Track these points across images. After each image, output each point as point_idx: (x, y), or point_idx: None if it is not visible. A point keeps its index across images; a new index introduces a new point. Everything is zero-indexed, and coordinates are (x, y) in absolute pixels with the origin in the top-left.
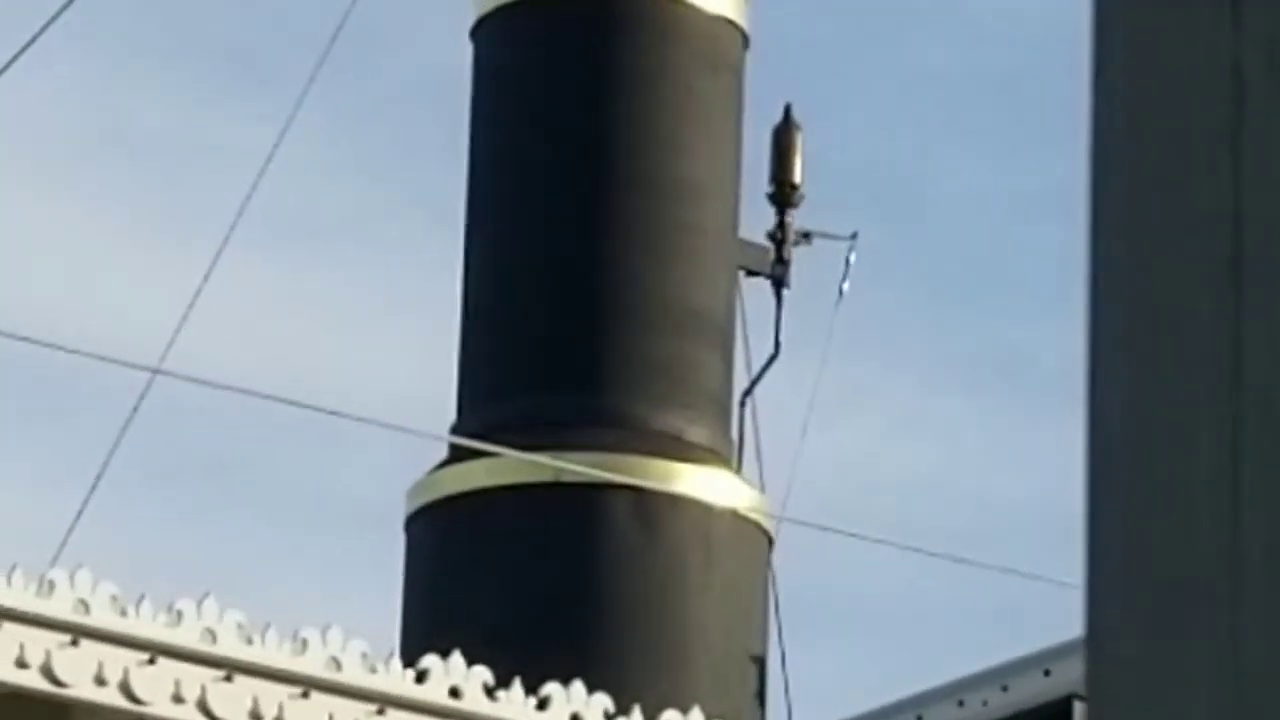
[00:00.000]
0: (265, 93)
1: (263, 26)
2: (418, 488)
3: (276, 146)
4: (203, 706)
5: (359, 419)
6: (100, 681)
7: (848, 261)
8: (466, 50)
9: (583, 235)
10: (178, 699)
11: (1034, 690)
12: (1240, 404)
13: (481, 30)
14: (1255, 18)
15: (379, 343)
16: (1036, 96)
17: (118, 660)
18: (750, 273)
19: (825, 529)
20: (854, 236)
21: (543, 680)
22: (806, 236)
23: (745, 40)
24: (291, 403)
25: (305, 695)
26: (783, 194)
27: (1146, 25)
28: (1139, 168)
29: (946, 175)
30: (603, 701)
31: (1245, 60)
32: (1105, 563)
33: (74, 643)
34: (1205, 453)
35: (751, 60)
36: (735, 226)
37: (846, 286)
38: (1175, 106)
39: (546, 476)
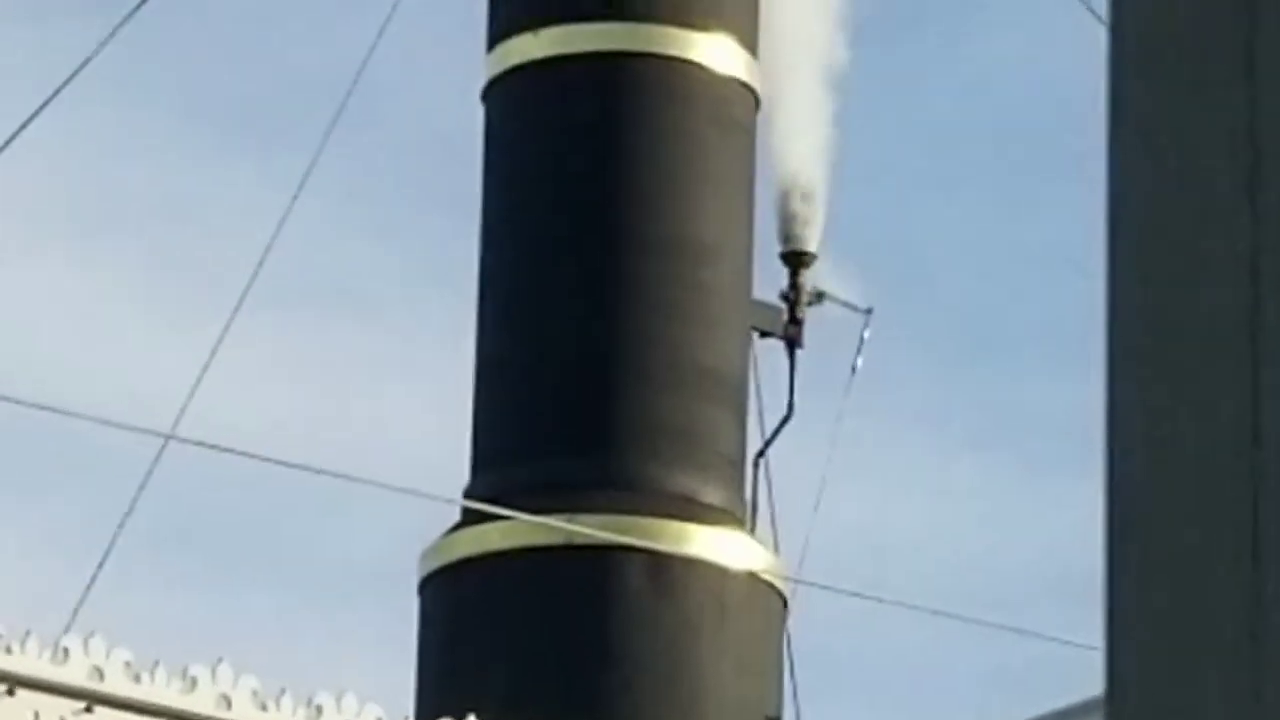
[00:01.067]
0: (275, 155)
1: (270, 89)
2: (431, 551)
3: (289, 211)
4: None
5: (372, 483)
6: None
7: (862, 338)
8: (478, 112)
9: (595, 297)
10: None
11: None
12: (1259, 458)
13: (493, 92)
14: (1269, 74)
15: (391, 406)
16: (1046, 152)
17: None
18: (764, 333)
19: (840, 591)
20: (869, 311)
21: None
22: (820, 296)
23: (756, 101)
24: (304, 468)
25: None
26: (796, 254)
27: (1163, 84)
28: (1157, 224)
29: (954, 232)
30: None
31: (1260, 117)
32: (1125, 621)
33: (89, 709)
34: (1225, 508)
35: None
36: (748, 287)
37: (860, 362)
38: (1193, 162)
39: (560, 539)
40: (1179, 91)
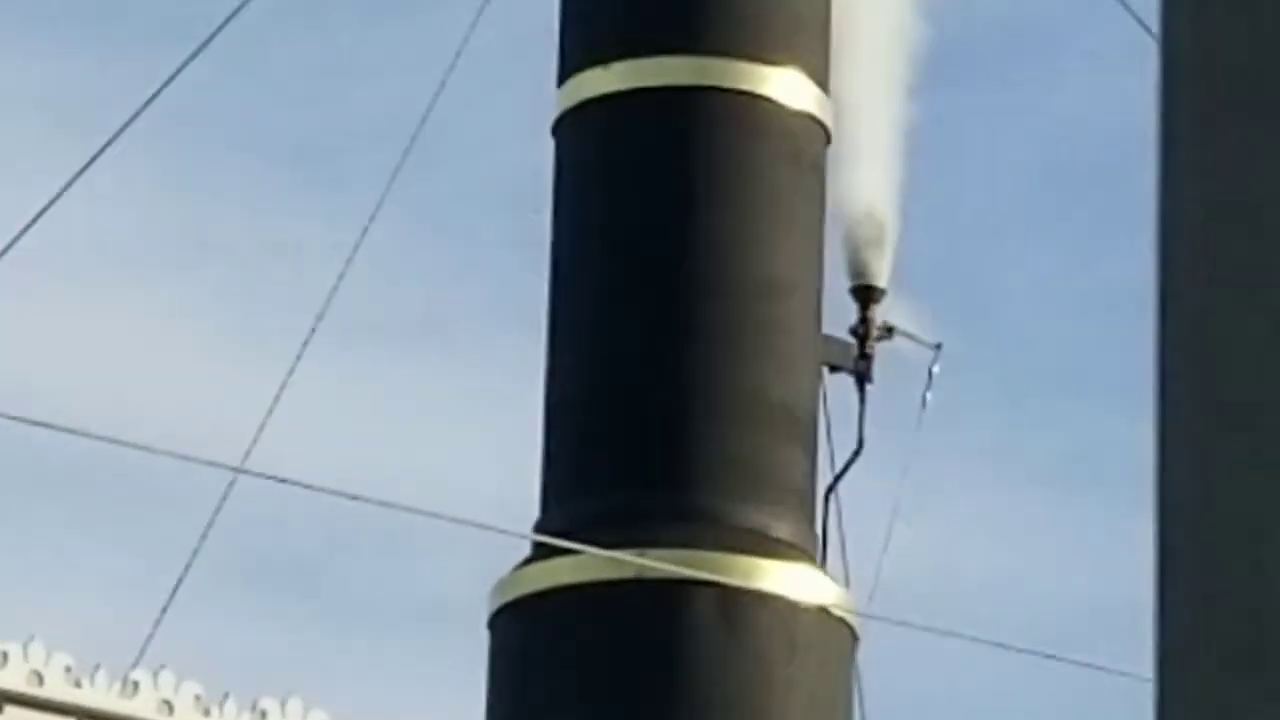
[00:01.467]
0: (339, 191)
1: (340, 126)
2: (501, 585)
3: (358, 247)
4: None
5: (442, 516)
6: None
7: (930, 373)
8: (547, 148)
9: (665, 332)
10: None
11: None
12: None
13: (563, 126)
14: None
15: (460, 442)
16: (1117, 191)
17: None
18: (834, 368)
19: (911, 625)
20: (938, 347)
21: None
22: (890, 331)
23: (828, 136)
24: (375, 501)
25: None
26: (865, 289)
27: (1216, 125)
28: (1208, 267)
29: (1022, 270)
30: None
31: None
32: (1175, 659)
33: None
34: (1274, 548)
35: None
36: (819, 322)
37: (930, 397)
38: (1243, 204)
39: (630, 573)
40: (1231, 121)
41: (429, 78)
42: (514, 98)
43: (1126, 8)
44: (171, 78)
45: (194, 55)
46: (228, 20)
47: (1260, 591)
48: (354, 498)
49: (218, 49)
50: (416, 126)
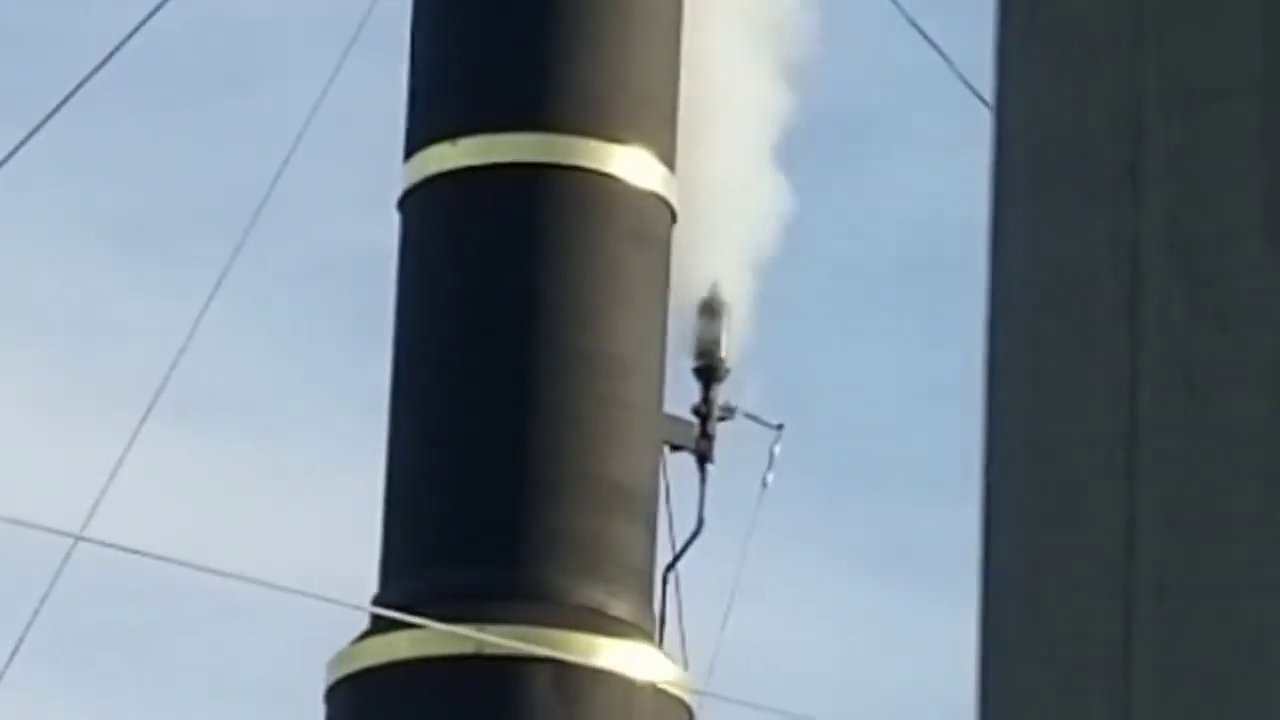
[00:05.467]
0: (171, 268)
1: (180, 202)
2: (339, 658)
3: (199, 319)
4: None
5: (282, 589)
6: None
7: (772, 453)
8: (392, 223)
9: (505, 409)
10: None
11: None
12: (1132, 572)
13: (409, 201)
14: (1154, 195)
15: (298, 519)
16: (946, 286)
17: None
18: (675, 447)
19: (744, 704)
20: (780, 427)
21: None
22: (731, 412)
23: (673, 215)
24: (214, 572)
25: None
26: (708, 369)
27: (1045, 202)
28: (1035, 346)
29: (855, 362)
30: None
31: (1143, 237)
32: None
33: None
34: (1098, 633)
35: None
36: (660, 401)
37: (771, 477)
38: (1072, 285)
39: (469, 648)
40: (1061, 211)
41: (273, 157)
42: (357, 175)
43: (965, 83)
44: (6, 158)
45: (30, 135)
46: (64, 101)
47: (1083, 678)
48: (194, 568)
49: (56, 125)
50: (260, 201)
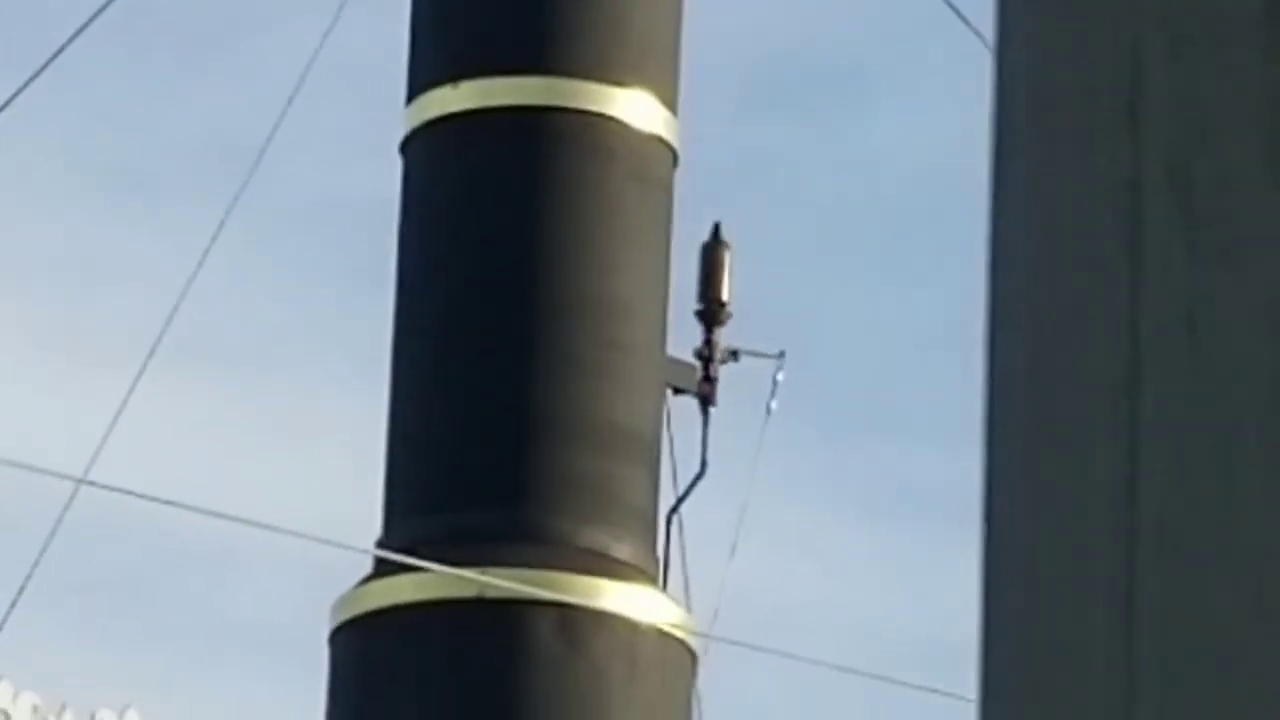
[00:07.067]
0: (171, 214)
1: (168, 149)
2: (343, 601)
3: (201, 264)
4: None
5: (286, 531)
6: None
7: (775, 380)
8: (395, 167)
9: (509, 352)
10: None
11: None
12: (1135, 516)
13: (410, 145)
14: (1154, 134)
15: (303, 463)
16: (937, 229)
17: None
18: (677, 390)
19: (747, 646)
20: (781, 355)
21: None
22: (734, 355)
23: (675, 158)
24: (218, 515)
25: None
26: (710, 312)
27: (1045, 142)
28: (1035, 286)
29: (856, 304)
30: None
31: (1144, 177)
32: (996, 681)
33: None
34: (1100, 572)
35: (680, 178)
36: (663, 344)
37: (774, 404)
38: (1073, 225)
39: (472, 592)
40: (1062, 151)
41: (275, 100)
42: (359, 120)
43: (967, 23)
44: (5, 105)
45: (25, 85)
46: (63, 48)
47: (1084, 622)
48: (197, 510)
49: (56, 69)
50: (261, 146)
